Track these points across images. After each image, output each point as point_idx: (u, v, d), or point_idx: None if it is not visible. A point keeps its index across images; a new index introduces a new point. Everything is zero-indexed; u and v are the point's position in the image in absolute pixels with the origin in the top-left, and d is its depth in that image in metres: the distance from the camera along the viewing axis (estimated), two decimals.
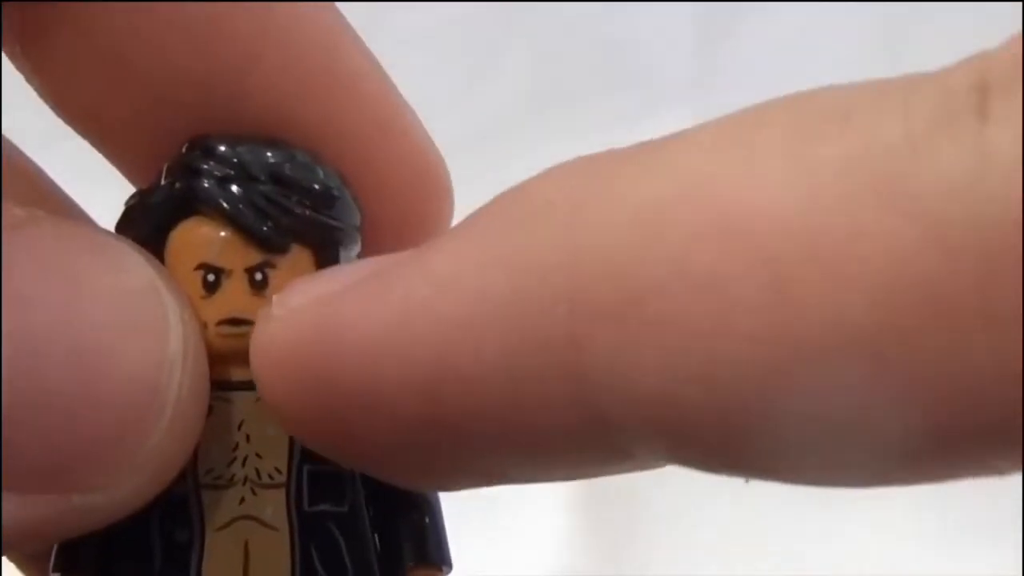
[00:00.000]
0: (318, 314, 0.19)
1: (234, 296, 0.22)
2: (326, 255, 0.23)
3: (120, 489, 0.20)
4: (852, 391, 0.15)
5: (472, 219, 0.19)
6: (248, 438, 0.22)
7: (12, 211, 0.20)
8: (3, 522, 0.19)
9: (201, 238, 0.22)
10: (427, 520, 0.23)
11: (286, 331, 0.20)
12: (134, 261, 0.21)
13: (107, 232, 0.21)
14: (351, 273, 0.20)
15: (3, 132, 0.25)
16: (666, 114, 0.62)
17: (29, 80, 0.24)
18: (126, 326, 0.20)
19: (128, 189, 0.24)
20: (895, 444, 0.15)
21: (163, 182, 0.23)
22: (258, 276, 0.22)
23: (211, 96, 0.23)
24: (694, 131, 0.17)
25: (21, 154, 0.25)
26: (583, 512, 0.55)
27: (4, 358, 0.19)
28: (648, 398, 0.16)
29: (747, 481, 0.17)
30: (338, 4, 0.24)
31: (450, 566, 0.24)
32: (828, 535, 0.54)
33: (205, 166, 0.22)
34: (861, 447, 0.16)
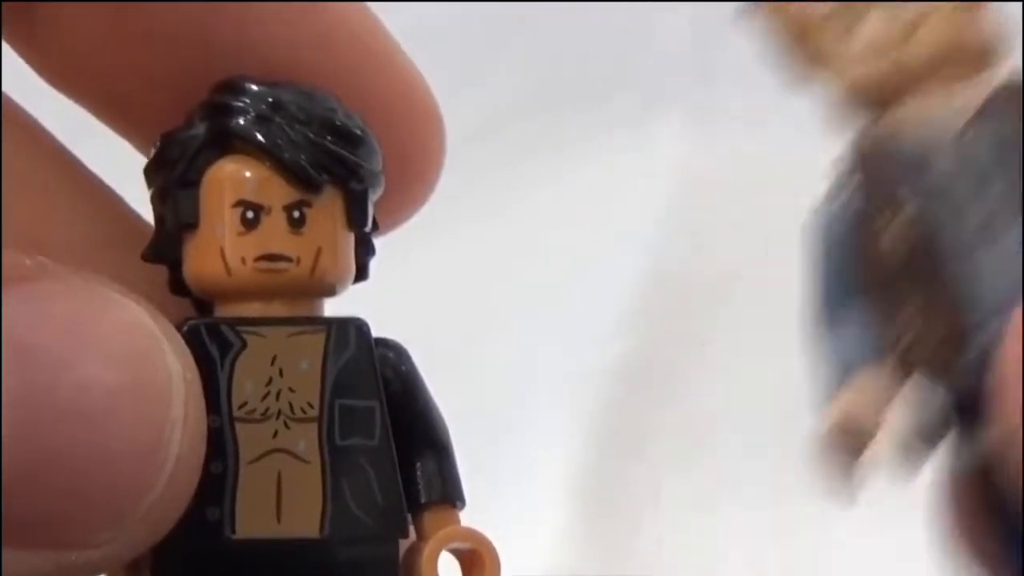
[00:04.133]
0: None
1: (273, 233, 0.22)
2: (356, 198, 0.23)
3: (116, 546, 0.20)
4: None
5: None
6: (281, 372, 0.22)
7: (20, 261, 0.20)
8: None
9: (239, 175, 0.22)
10: (443, 461, 0.24)
11: None
12: (142, 321, 0.20)
13: (115, 288, 0.21)
14: None
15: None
16: (665, 115, 0.62)
17: (25, 55, 0.24)
18: (132, 389, 0.20)
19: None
20: None
21: (195, 122, 0.23)
22: (296, 214, 0.22)
23: (212, 49, 0.23)
24: None
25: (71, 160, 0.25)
26: (583, 512, 0.55)
27: (5, 417, 0.19)
28: None
29: None
30: None
31: (463, 503, 0.24)
32: (828, 532, 0.54)
33: (239, 104, 0.23)
34: None
